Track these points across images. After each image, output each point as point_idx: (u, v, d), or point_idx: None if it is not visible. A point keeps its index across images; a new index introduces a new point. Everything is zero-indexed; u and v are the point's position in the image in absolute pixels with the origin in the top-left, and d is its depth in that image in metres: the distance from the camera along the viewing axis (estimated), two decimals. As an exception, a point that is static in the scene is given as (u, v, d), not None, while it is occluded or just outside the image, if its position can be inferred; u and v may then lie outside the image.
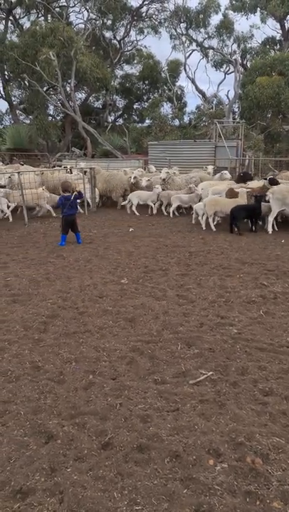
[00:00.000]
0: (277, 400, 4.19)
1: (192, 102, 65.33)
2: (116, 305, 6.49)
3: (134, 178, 14.44)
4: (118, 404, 4.16)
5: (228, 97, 34.75)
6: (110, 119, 37.90)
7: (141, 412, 4.03)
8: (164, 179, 13.95)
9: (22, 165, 18.46)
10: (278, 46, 38.93)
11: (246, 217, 11.17)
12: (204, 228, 11.55)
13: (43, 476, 3.33)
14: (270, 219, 10.89)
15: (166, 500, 3.10)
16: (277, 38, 38.78)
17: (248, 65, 35.95)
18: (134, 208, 14.05)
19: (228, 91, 40.74)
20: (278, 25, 37.40)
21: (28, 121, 33.03)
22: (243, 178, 13.81)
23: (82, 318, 6.07)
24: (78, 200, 10.40)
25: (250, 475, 3.31)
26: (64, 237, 10.22)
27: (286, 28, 37.59)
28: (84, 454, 3.55)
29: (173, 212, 13.59)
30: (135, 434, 3.74)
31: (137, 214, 14.00)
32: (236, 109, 33.36)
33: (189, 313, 6.16)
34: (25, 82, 29.48)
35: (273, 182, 11.56)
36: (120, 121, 38.60)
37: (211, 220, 11.42)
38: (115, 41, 36.20)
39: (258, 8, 36.07)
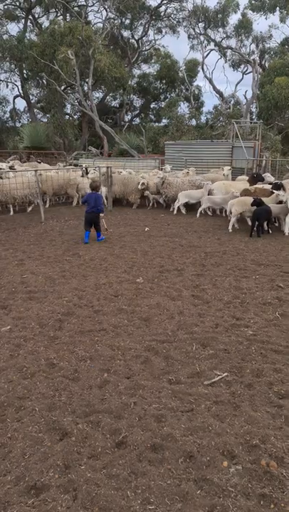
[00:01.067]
0: (293, 403, 4.15)
1: (209, 101, 65.24)
2: (131, 304, 6.49)
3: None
4: (132, 403, 4.17)
5: (245, 97, 34.55)
6: (127, 118, 37.98)
7: (155, 412, 4.03)
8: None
9: (39, 163, 18.61)
10: (297, 46, 38.54)
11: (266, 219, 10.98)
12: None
13: (57, 472, 3.35)
14: (288, 220, 10.79)
15: (179, 500, 3.09)
16: (296, 38, 38.40)
17: (267, 65, 35.65)
18: (181, 207, 14.01)
19: (246, 91, 40.64)
20: (298, 25, 37.10)
21: (45, 120, 33.28)
22: (256, 179, 13.69)
23: (98, 316, 6.09)
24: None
25: (264, 478, 3.28)
26: (86, 233, 10.38)
27: (306, 27, 37.24)
28: (98, 452, 3.57)
29: (178, 208, 13.68)
30: (149, 433, 3.75)
31: (183, 213, 14.04)
32: (254, 110, 33.11)
33: (204, 314, 6.14)
34: (43, 80, 29.71)
35: (277, 187, 11.59)
36: (137, 120, 38.65)
37: (234, 219, 11.36)
38: (133, 40, 36.24)
39: (278, 8, 35.73)
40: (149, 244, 9.98)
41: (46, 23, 32.27)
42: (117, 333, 5.60)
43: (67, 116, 33.43)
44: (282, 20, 35.91)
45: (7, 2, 31.64)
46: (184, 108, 34.76)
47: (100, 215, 10.29)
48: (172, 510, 3.02)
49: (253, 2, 36.74)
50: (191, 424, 3.88)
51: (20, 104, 52.42)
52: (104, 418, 3.96)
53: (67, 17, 32.12)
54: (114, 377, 4.61)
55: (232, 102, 35.77)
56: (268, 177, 14.53)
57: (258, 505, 3.05)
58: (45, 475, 3.32)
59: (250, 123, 26.68)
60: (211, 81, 36.52)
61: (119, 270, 8.10)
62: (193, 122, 31.07)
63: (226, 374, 4.64)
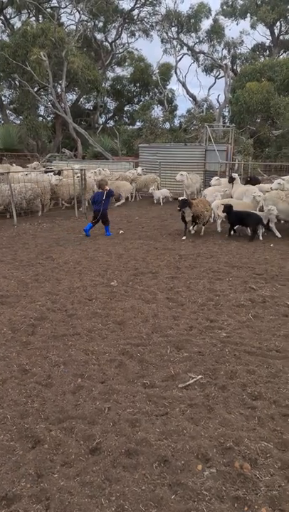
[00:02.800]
0: (266, 404, 4.19)
1: (183, 105, 65.68)
2: (105, 307, 6.44)
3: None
4: (107, 408, 4.12)
5: (218, 101, 34.95)
6: (101, 120, 37.80)
7: (129, 417, 4.00)
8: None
9: (12, 165, 18.33)
10: (268, 52, 39.30)
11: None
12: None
13: (29, 482, 3.28)
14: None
15: (154, 506, 3.07)
16: (267, 44, 39.18)
17: (238, 70, 36.20)
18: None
19: (219, 95, 41.05)
20: (268, 32, 37.81)
21: (18, 122, 32.80)
22: (251, 182, 13.83)
23: (71, 320, 6.01)
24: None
25: (238, 480, 3.30)
26: (89, 225, 11.34)
27: (275, 34, 37.98)
28: (71, 459, 3.51)
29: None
30: (123, 438, 3.71)
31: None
32: (226, 114, 33.52)
33: (179, 317, 6.14)
34: (16, 82, 29.30)
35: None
36: (111, 123, 38.51)
37: (219, 221, 11.63)
38: (107, 43, 36.13)
39: (249, 14, 36.38)
40: (124, 247, 9.95)
41: (18, 24, 31.87)
42: (91, 337, 5.54)
43: (40, 118, 33.07)
44: (253, 26, 36.61)
45: (-23, 2, 31.09)
46: (157, 111, 34.85)
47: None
48: (147, 516, 2.99)
49: (224, 8, 37.30)
50: (165, 428, 3.86)
51: (-8, 105, 51.38)
52: (77, 424, 3.90)
53: (40, 18, 31.79)
54: (88, 382, 4.55)
55: (205, 106, 36.15)
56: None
57: (232, 508, 3.06)
58: (16, 485, 3.23)
59: (223, 127, 27.02)
60: (184, 85, 36.85)
61: (93, 273, 8.04)
62: (167, 125, 31.18)
63: (200, 376, 4.65)
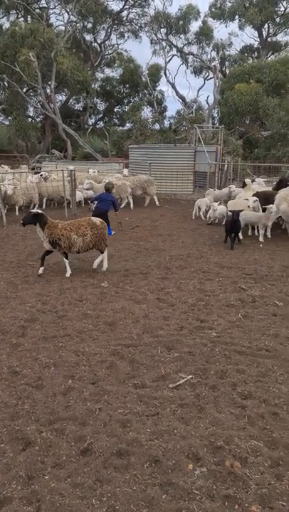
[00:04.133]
0: (256, 403, 4.22)
1: (172, 106, 65.68)
2: (96, 308, 6.44)
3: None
4: (97, 409, 4.12)
5: (207, 103, 35.14)
6: (91, 121, 37.75)
7: (120, 417, 4.01)
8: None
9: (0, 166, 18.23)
10: (256, 54, 39.58)
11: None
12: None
13: (19, 484, 3.27)
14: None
15: (145, 506, 3.08)
16: (255, 46, 39.46)
17: (227, 72, 36.40)
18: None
19: (208, 96, 41.20)
20: (256, 34, 38.09)
21: (7, 123, 32.63)
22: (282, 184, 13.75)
23: (62, 321, 6.00)
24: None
25: (228, 479, 3.31)
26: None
27: (264, 36, 38.29)
28: (62, 461, 3.50)
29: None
30: (114, 439, 3.71)
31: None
32: (215, 115, 33.69)
33: (169, 317, 6.16)
34: (5, 82, 29.14)
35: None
36: (101, 124, 38.50)
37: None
38: (96, 44, 36.13)
39: (237, 16, 36.60)
40: (114, 248, 9.94)
41: (7, 25, 31.71)
42: (82, 338, 5.54)
43: (29, 119, 32.92)
44: (242, 28, 36.86)
45: None
46: (147, 112, 34.95)
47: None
48: (138, 515, 3.00)
49: (213, 10, 37.50)
50: (156, 428, 3.87)
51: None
52: (68, 425, 3.90)
53: (29, 19, 31.67)
54: (79, 384, 4.55)
55: (194, 107, 36.31)
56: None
57: (222, 507, 3.07)
58: (7, 487, 3.22)
59: (212, 128, 27.15)
60: (173, 86, 37.00)
61: (83, 274, 8.02)
62: (157, 126, 31.27)
63: (190, 376, 4.67)
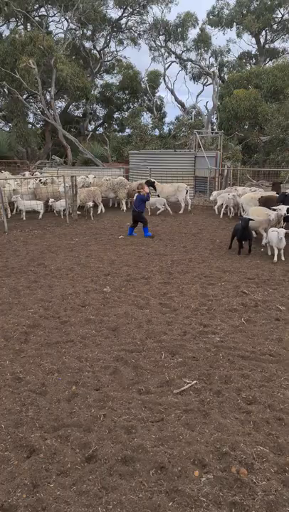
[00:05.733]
0: (261, 409, 4.19)
1: (172, 112, 66.04)
2: (99, 314, 6.42)
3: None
4: (102, 415, 4.10)
5: (206, 108, 35.22)
6: (90, 127, 37.86)
7: (125, 423, 3.98)
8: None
9: (1, 172, 18.26)
10: (254, 60, 39.81)
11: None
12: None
13: (24, 492, 3.23)
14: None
15: (151, 513, 3.04)
16: (253, 53, 39.69)
17: (225, 78, 36.58)
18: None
19: (207, 102, 41.28)
20: (254, 40, 38.31)
21: (7, 129, 32.74)
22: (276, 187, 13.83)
23: (65, 327, 5.98)
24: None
25: (235, 485, 3.28)
26: (130, 229, 12.17)
27: (261, 43, 38.50)
28: (67, 468, 3.47)
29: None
30: (119, 445, 3.69)
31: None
32: (214, 120, 33.79)
33: (172, 322, 6.14)
34: (5, 89, 29.26)
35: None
36: (100, 130, 38.61)
37: None
38: (95, 51, 36.30)
39: (234, 23, 36.83)
40: (116, 253, 9.94)
41: (6, 32, 31.89)
42: (85, 344, 5.51)
43: (30, 126, 33.03)
44: (239, 35, 37.08)
45: None
46: (146, 118, 35.10)
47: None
48: (145, 523, 2.97)
49: (210, 17, 37.75)
50: (161, 434, 3.84)
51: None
52: (73, 432, 3.87)
53: (28, 26, 31.85)
54: (83, 390, 4.52)
55: (193, 113, 36.43)
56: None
57: (229, 514, 3.04)
58: (12, 495, 3.19)
59: (212, 133, 27.22)
60: (172, 92, 37.12)
61: (86, 280, 8.00)
62: (156, 132, 31.36)
63: (195, 382, 4.65)
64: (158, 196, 15.49)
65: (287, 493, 3.20)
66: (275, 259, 9.30)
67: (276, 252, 9.35)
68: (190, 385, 4.59)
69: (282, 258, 9.39)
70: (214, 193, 16.07)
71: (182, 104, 37.10)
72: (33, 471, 3.41)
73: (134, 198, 12.18)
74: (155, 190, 15.33)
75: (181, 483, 3.30)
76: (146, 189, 12.17)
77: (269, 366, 4.95)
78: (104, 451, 3.63)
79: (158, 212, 15.39)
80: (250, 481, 3.30)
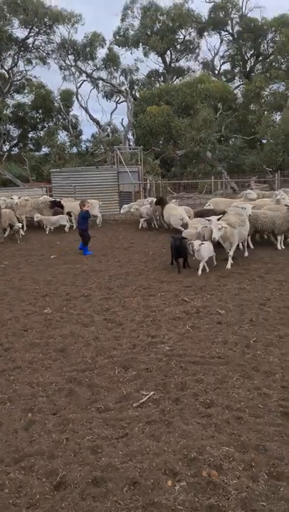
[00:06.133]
0: (219, 410, 4.30)
1: (88, 130, 66.23)
2: (43, 336, 6.23)
3: None
4: (64, 439, 3.97)
5: (122, 125, 35.90)
6: (5, 148, 36.90)
7: (90, 444, 3.89)
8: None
9: None
10: (162, 78, 41.49)
11: None
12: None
13: (-5, 531, 3.03)
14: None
15: (132, 530, 2.99)
16: (160, 71, 41.39)
17: (137, 95, 37.67)
18: None
19: (122, 119, 42.11)
20: (160, 60, 40.00)
21: None
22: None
23: (9, 354, 5.72)
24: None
25: (208, 488, 3.33)
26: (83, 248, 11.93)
27: (167, 62, 40.31)
28: (36, 500, 3.31)
29: None
30: (88, 467, 3.59)
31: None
32: (130, 137, 34.54)
33: (120, 336, 6.13)
34: None
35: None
36: (16, 150, 37.75)
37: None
38: (3, 71, 35.63)
39: (140, 44, 38.18)
40: (50, 273, 9.72)
41: None
42: (34, 368, 5.31)
43: None
44: (146, 54, 38.52)
45: None
46: (63, 136, 34.98)
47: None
48: None
49: (117, 37, 38.79)
50: (128, 449, 3.80)
51: None
52: (36, 461, 3.70)
53: None
54: (40, 416, 4.34)
55: (108, 130, 36.98)
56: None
57: (208, 517, 3.08)
58: (-18, 538, 2.97)
59: (129, 149, 27.79)
60: (86, 110, 37.45)
61: (23, 303, 7.73)
62: (75, 150, 31.38)
63: (152, 393, 4.66)
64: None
65: (258, 488, 3.31)
66: (199, 272, 9.11)
67: (201, 264, 9.19)
68: (148, 396, 4.60)
69: (207, 269, 9.27)
70: (125, 206, 16.54)
71: (97, 122, 37.55)
72: (0, 508, 3.21)
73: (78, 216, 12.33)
74: (62, 208, 15.51)
75: (156, 495, 3.28)
76: (87, 206, 12.17)
77: (220, 368, 5.11)
78: (73, 475, 3.51)
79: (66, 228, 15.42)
80: (222, 482, 3.37)
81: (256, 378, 4.86)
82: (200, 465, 3.55)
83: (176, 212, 13.21)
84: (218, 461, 3.59)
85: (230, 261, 9.64)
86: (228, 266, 9.55)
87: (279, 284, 8.20)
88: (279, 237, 11.16)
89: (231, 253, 9.69)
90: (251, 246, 11.25)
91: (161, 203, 14.19)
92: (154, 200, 15.18)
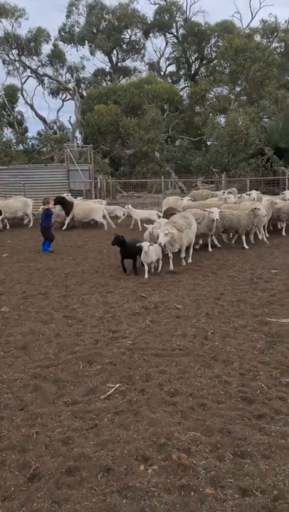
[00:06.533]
0: (184, 398, 4.50)
1: (33, 127, 64.63)
2: (2, 335, 6.16)
3: None
4: (34, 433, 4.00)
5: (70, 123, 35.59)
6: None
7: (60, 436, 3.94)
8: None
9: None
10: (108, 77, 41.53)
11: None
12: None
13: (-28, 526, 3.03)
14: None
15: (109, 514, 3.11)
16: (107, 70, 41.42)
17: (84, 94, 37.47)
18: None
19: (70, 117, 41.72)
20: (106, 59, 40.04)
21: None
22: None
23: None
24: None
25: (179, 470, 3.51)
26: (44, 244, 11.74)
27: (114, 61, 40.42)
28: (11, 492, 3.33)
29: None
30: (60, 458, 3.65)
31: None
32: (78, 135, 34.32)
33: (81, 332, 6.19)
34: None
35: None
36: None
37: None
38: None
39: (86, 41, 38.01)
40: (4, 272, 9.54)
41: None
42: (-4, 366, 5.26)
43: None
44: (92, 53, 38.41)
45: None
46: (8, 133, 34.11)
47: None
48: (105, 525, 3.02)
49: (62, 34, 38.36)
50: (99, 439, 3.90)
51: None
52: (8, 456, 3.71)
53: None
54: (7, 412, 4.34)
55: (55, 128, 36.52)
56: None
57: (180, 497, 3.24)
58: None
59: (78, 147, 27.62)
60: (32, 107, 36.77)
61: (-23, 303, 7.57)
62: (21, 147, 30.70)
63: (118, 385, 4.78)
64: None
65: (225, 466, 3.52)
66: (146, 275, 8.84)
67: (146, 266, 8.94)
68: (114, 388, 4.71)
69: (152, 271, 9.17)
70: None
71: (43, 119, 36.93)
72: (-25, 503, 3.21)
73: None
74: None
75: (130, 479, 3.41)
76: (51, 204, 12.10)
77: (181, 359, 5.31)
78: (46, 467, 3.56)
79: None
80: (191, 464, 3.56)
81: (216, 367, 5.11)
82: (169, 449, 3.72)
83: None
84: (186, 445, 3.77)
85: (183, 261, 9.79)
86: (183, 263, 9.73)
87: (231, 279, 8.58)
88: (243, 237, 11.40)
89: (182, 254, 9.76)
90: (219, 245, 11.63)
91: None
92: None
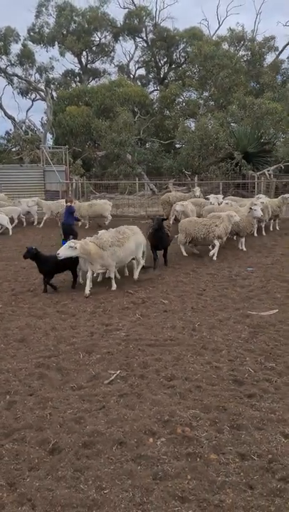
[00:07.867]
0: (181, 382, 4.93)
1: (1, 126, 63.56)
2: (-1, 329, 6.42)
3: None
4: (48, 414, 4.34)
5: (42, 124, 35.41)
6: None
7: (73, 416, 4.30)
8: None
9: None
10: (78, 79, 41.61)
11: None
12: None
13: (4, 492, 3.37)
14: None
15: (127, 478, 3.50)
16: (77, 71, 41.48)
17: (54, 94, 37.40)
18: None
19: (42, 117, 41.46)
20: (76, 60, 40.11)
21: None
22: None
23: None
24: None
25: (184, 441, 3.94)
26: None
27: (83, 63, 40.55)
28: (36, 463, 3.68)
29: None
30: (76, 435, 4.02)
31: None
32: (49, 136, 34.24)
33: (76, 326, 6.52)
34: None
35: None
36: None
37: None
38: None
39: (56, 42, 37.98)
40: (-12, 271, 9.72)
41: None
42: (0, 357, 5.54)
43: None
44: (62, 54, 38.34)
45: None
46: (-24, 132, 33.63)
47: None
48: (125, 486, 3.41)
49: (32, 34, 38.17)
50: (108, 418, 4.28)
51: None
52: (27, 433, 4.04)
53: None
54: (18, 397, 4.65)
55: (23, 128, 36.25)
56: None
57: (188, 462, 3.68)
58: (-5, 497, 3.29)
59: (50, 148, 27.64)
60: (1, 106, 36.33)
61: None
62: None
63: (119, 371, 5.17)
64: None
65: (224, 437, 3.98)
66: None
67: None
68: (116, 374, 5.10)
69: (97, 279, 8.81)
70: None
71: (13, 119, 36.60)
72: (3, 472, 3.53)
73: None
74: None
75: (142, 450, 3.82)
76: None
77: (174, 349, 5.75)
78: (64, 442, 3.92)
79: None
80: (195, 435, 4.00)
81: (206, 355, 5.58)
82: (173, 425, 4.15)
83: None
84: (187, 420, 4.21)
85: (113, 284, 8.39)
86: (113, 288, 8.27)
87: (211, 276, 9.10)
88: (242, 239, 11.76)
89: (110, 275, 8.38)
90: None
91: None
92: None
